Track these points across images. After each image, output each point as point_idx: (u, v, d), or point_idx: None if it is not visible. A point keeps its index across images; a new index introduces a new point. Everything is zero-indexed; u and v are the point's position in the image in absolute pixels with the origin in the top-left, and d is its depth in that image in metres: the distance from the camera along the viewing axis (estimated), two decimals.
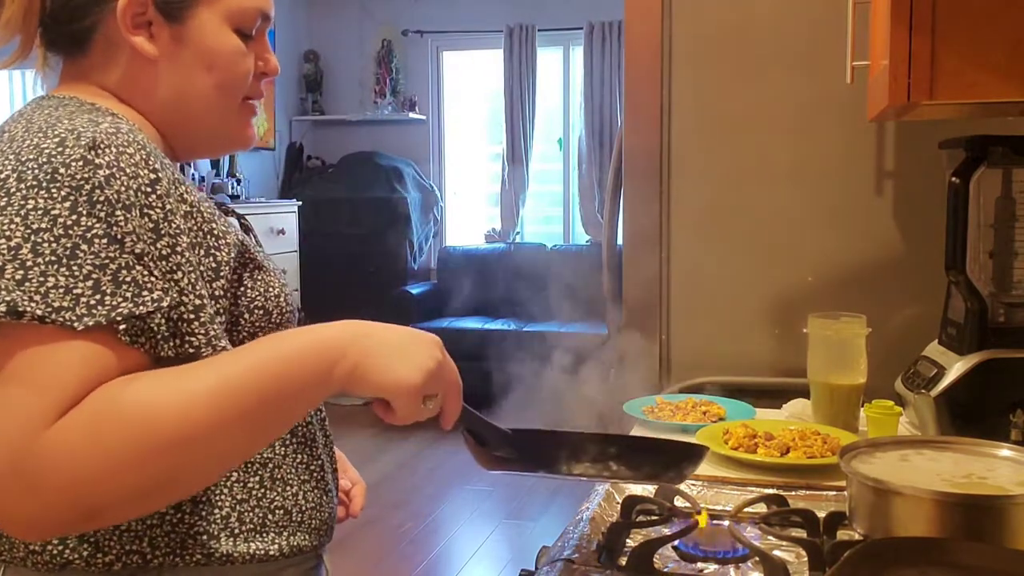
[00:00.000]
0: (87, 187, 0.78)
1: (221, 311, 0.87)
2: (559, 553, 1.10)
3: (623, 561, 1.07)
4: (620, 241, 2.07)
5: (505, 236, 6.55)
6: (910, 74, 1.16)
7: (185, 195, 0.86)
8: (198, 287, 0.83)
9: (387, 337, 0.83)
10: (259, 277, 0.93)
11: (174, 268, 0.81)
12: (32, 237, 0.76)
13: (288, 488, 0.94)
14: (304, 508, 0.95)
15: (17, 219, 0.76)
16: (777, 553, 1.08)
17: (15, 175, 0.78)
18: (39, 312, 0.74)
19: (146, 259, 0.79)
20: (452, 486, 4.50)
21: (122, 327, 0.77)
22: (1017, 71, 1.14)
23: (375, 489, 4.90)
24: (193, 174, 5.41)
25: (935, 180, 1.58)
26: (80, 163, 0.79)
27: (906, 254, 1.80)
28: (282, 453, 0.94)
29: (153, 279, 0.79)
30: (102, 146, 0.80)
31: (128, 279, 0.78)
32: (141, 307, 0.78)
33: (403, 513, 4.23)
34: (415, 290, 6.18)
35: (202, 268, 0.86)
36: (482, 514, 4.20)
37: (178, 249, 0.82)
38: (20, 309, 0.74)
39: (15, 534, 0.82)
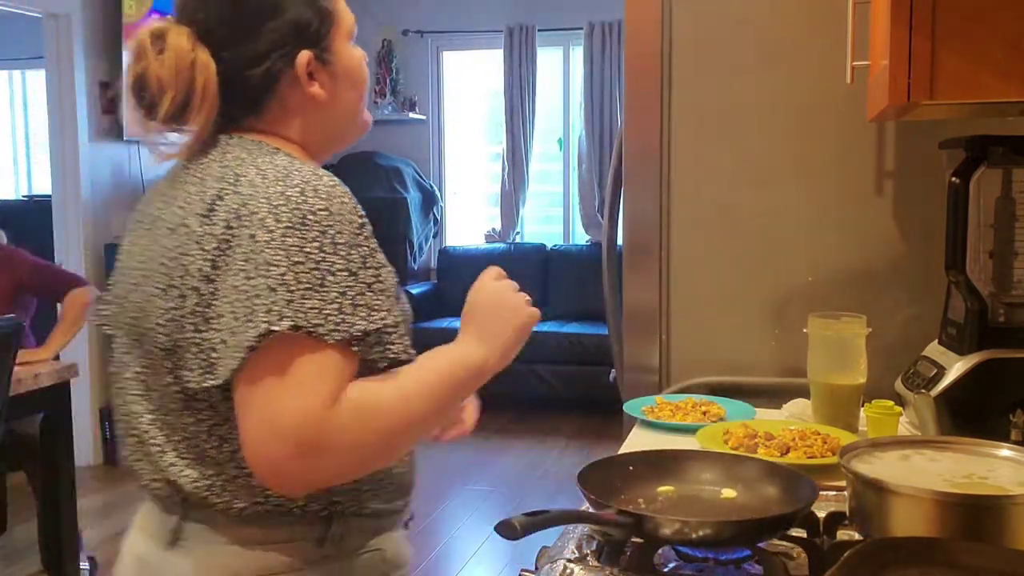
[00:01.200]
0: (330, 232, 1.00)
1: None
2: (559, 553, 1.10)
3: (623, 561, 1.07)
4: (620, 241, 2.07)
5: (505, 236, 6.55)
6: (910, 74, 1.16)
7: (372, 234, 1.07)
8: (397, 309, 1.05)
9: (505, 347, 1.13)
10: (396, 295, 1.10)
11: (387, 293, 1.03)
12: (293, 268, 0.97)
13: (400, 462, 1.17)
14: (404, 475, 1.18)
15: (281, 252, 0.97)
16: (777, 553, 1.08)
17: (272, 216, 0.99)
18: (306, 327, 0.96)
19: (373, 287, 1.01)
20: (452, 486, 4.50)
21: (358, 341, 0.99)
22: (1017, 71, 1.14)
23: None
24: None
25: (935, 180, 1.58)
26: (324, 213, 1.00)
27: (906, 254, 1.79)
28: None
29: (379, 302, 1.01)
30: (332, 198, 1.02)
31: (361, 303, 1.00)
32: (372, 324, 1.00)
33: None
34: (415, 290, 6.17)
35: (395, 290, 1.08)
36: (482, 514, 4.20)
37: (383, 278, 1.04)
38: (298, 324, 0.95)
39: (283, 489, 1.03)
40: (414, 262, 6.43)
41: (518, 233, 6.59)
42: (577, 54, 6.32)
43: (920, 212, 1.77)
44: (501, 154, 6.49)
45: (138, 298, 1.07)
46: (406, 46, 6.63)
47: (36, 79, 6.39)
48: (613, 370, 2.18)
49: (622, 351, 2.01)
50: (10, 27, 6.05)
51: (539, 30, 6.32)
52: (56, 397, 3.23)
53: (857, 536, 1.07)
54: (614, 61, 6.09)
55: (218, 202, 1.02)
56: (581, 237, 6.47)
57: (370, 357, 1.00)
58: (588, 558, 1.08)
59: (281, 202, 1.00)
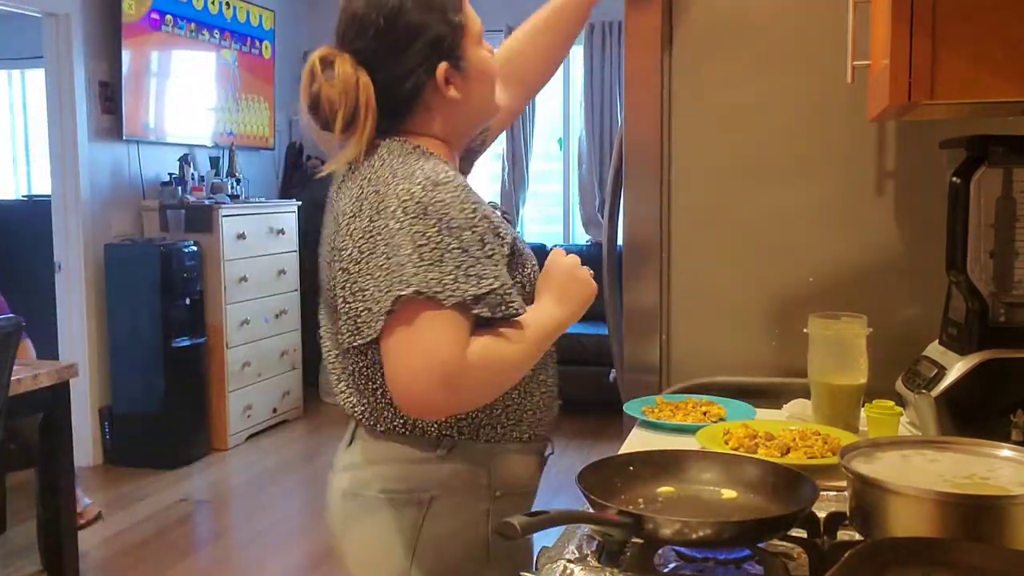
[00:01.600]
0: (445, 218, 1.24)
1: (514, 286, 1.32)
2: (559, 553, 1.10)
3: (623, 561, 1.06)
4: (620, 241, 2.07)
5: None
6: (911, 74, 1.15)
7: (485, 212, 1.29)
8: (505, 273, 1.29)
9: (575, 311, 1.39)
10: (519, 261, 1.36)
11: (497, 263, 1.27)
12: (418, 249, 1.23)
13: (531, 398, 1.42)
14: (539, 409, 1.44)
15: (408, 237, 1.23)
16: (777, 553, 1.07)
17: (401, 208, 1.25)
18: (427, 292, 1.22)
19: (482, 259, 1.26)
20: None
21: (471, 302, 1.24)
22: (1018, 71, 1.13)
23: None
24: (193, 173, 5.41)
25: (936, 180, 1.58)
26: (440, 203, 1.25)
27: (907, 254, 1.79)
28: (529, 376, 1.40)
29: (487, 271, 1.26)
30: (447, 191, 1.26)
31: (473, 273, 1.24)
32: (482, 289, 1.25)
33: None
34: None
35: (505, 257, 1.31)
36: None
37: (493, 250, 1.28)
38: (420, 290, 1.22)
39: (421, 415, 1.33)
40: None
41: (518, 232, 6.59)
42: (577, 54, 6.32)
43: (921, 212, 1.77)
44: (501, 154, 6.49)
45: (323, 266, 1.38)
46: None
47: (35, 79, 6.39)
48: (613, 370, 2.18)
49: (622, 351, 2.00)
50: (9, 27, 6.04)
51: None
52: (56, 397, 3.23)
53: (857, 536, 1.06)
54: (614, 61, 6.09)
55: (364, 201, 1.29)
56: (581, 237, 6.47)
57: (485, 315, 1.26)
58: (588, 558, 1.08)
59: (407, 197, 1.25)
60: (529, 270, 1.39)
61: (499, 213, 1.42)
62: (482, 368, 1.26)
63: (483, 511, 1.37)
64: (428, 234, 1.23)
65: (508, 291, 1.28)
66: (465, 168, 1.58)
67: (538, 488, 1.48)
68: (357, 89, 1.32)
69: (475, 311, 1.25)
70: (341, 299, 1.30)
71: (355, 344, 1.29)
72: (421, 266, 1.22)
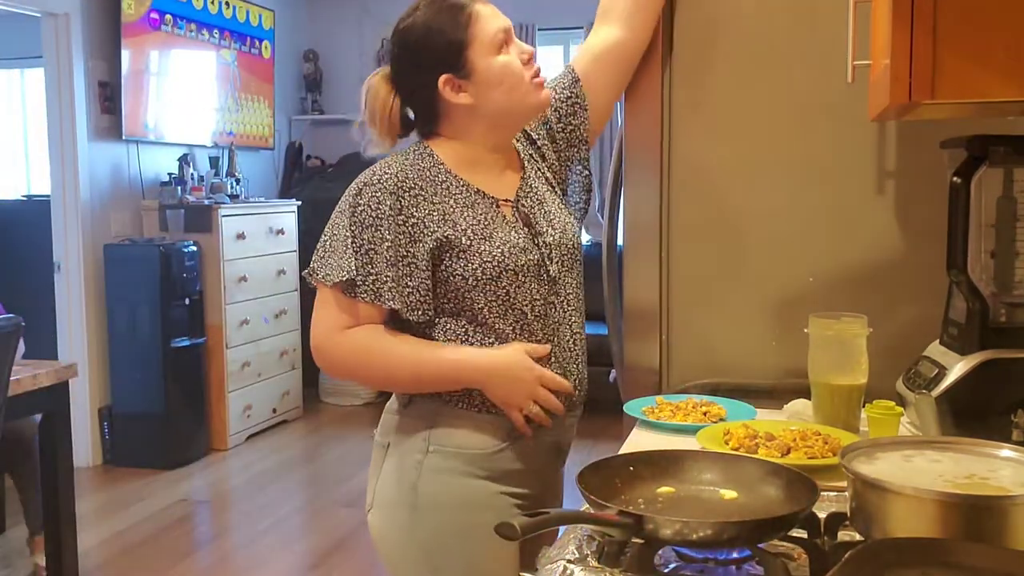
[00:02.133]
0: (357, 215, 1.51)
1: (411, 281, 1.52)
2: (559, 554, 1.10)
3: (623, 562, 1.06)
4: (620, 241, 2.07)
5: None
6: (911, 74, 1.15)
7: (412, 215, 1.51)
8: (386, 267, 1.49)
9: (498, 378, 1.55)
10: (461, 256, 1.52)
11: (378, 260, 1.49)
12: (332, 237, 1.53)
13: None
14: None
15: (331, 225, 1.55)
16: (777, 554, 1.07)
17: (344, 200, 1.55)
18: (319, 275, 1.52)
19: (363, 254, 1.49)
20: None
21: (339, 289, 1.50)
22: (1018, 70, 1.13)
23: None
24: (193, 173, 5.41)
25: (936, 180, 1.58)
26: (358, 204, 1.52)
27: (907, 254, 1.79)
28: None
29: (364, 263, 1.49)
30: (373, 189, 1.52)
31: (350, 263, 1.50)
32: (349, 275, 1.49)
33: None
34: None
35: (401, 255, 1.50)
36: None
37: (379, 248, 1.49)
38: (315, 271, 1.53)
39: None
40: None
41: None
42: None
43: (921, 212, 1.77)
44: None
45: None
46: None
47: (35, 79, 6.39)
48: (613, 370, 2.18)
49: (622, 351, 2.00)
50: (9, 26, 6.04)
51: (539, 29, 6.31)
52: (55, 397, 3.23)
53: (858, 537, 1.06)
54: None
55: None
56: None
57: (364, 302, 1.50)
58: (588, 559, 1.08)
59: (349, 191, 1.54)
60: (476, 265, 1.52)
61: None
62: (345, 348, 1.52)
63: (416, 461, 1.56)
64: (341, 225, 1.52)
65: (374, 282, 1.49)
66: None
67: (522, 457, 1.60)
68: (378, 102, 1.59)
69: (346, 295, 1.50)
70: None
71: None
72: (326, 253, 1.52)
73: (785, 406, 1.71)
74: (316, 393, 6.26)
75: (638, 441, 1.58)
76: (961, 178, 1.43)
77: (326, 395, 6.29)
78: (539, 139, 1.73)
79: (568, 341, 1.67)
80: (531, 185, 1.66)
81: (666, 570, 1.07)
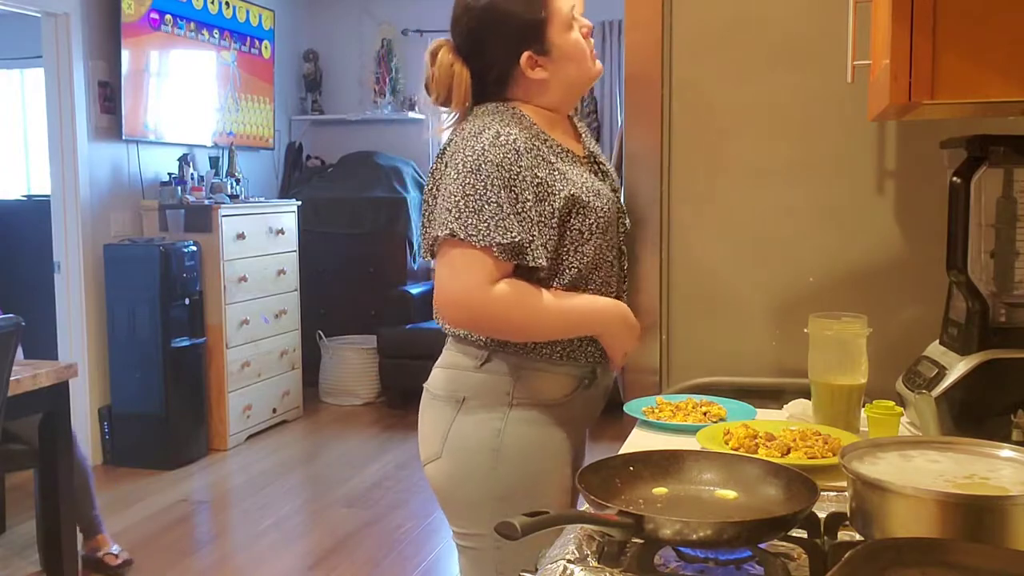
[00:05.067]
0: (492, 176, 1.52)
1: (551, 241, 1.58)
2: (559, 553, 1.10)
3: (623, 562, 1.06)
4: None
5: None
6: (911, 74, 1.15)
7: (536, 173, 1.56)
8: (534, 229, 1.54)
9: (618, 325, 1.67)
10: (582, 211, 1.60)
11: (526, 219, 1.53)
12: (465, 197, 1.52)
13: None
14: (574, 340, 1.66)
15: (459, 187, 1.53)
16: (777, 554, 1.07)
17: (462, 162, 1.55)
18: (461, 235, 1.52)
19: (511, 215, 1.52)
20: None
21: (495, 250, 1.51)
22: (1018, 70, 1.13)
23: (375, 489, 4.90)
24: (193, 173, 5.40)
25: (936, 180, 1.58)
26: (490, 163, 1.53)
27: (907, 254, 1.79)
28: None
29: (513, 225, 1.52)
30: (503, 150, 1.54)
31: (501, 225, 1.51)
32: (506, 239, 1.51)
33: (403, 513, 4.23)
34: (414, 290, 6.17)
35: (541, 212, 1.56)
36: None
37: (528, 207, 1.54)
38: (455, 232, 1.52)
39: (452, 326, 1.66)
40: (414, 262, 6.43)
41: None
42: None
43: (921, 212, 1.77)
44: None
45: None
46: (406, 46, 6.62)
47: (35, 79, 6.39)
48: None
49: None
50: (8, 26, 6.04)
51: None
52: (55, 397, 3.22)
53: (858, 537, 1.06)
54: (614, 61, 6.08)
55: (447, 148, 1.62)
56: None
57: (505, 260, 1.52)
58: (588, 558, 1.08)
59: (469, 153, 1.55)
60: (592, 220, 1.60)
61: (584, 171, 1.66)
62: (501, 301, 1.53)
63: (502, 413, 1.63)
64: (476, 186, 1.52)
65: (530, 244, 1.53)
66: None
67: (580, 405, 1.69)
68: (452, 75, 1.64)
69: (498, 256, 1.51)
70: (422, 220, 1.65)
71: (424, 259, 1.68)
72: (464, 213, 1.52)
73: (785, 406, 1.71)
74: (316, 393, 6.26)
75: (638, 441, 1.58)
76: (961, 178, 1.43)
77: (326, 395, 6.28)
78: None
79: (623, 293, 1.77)
80: (591, 146, 1.76)
81: (666, 570, 1.07)
